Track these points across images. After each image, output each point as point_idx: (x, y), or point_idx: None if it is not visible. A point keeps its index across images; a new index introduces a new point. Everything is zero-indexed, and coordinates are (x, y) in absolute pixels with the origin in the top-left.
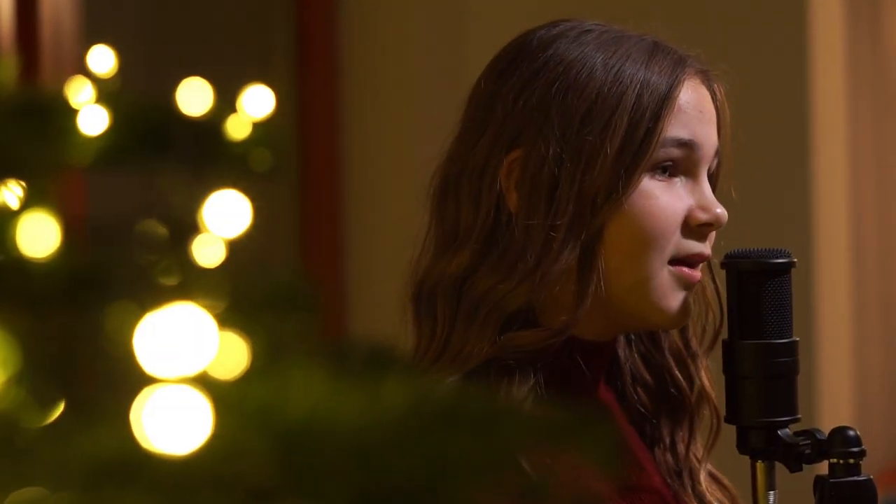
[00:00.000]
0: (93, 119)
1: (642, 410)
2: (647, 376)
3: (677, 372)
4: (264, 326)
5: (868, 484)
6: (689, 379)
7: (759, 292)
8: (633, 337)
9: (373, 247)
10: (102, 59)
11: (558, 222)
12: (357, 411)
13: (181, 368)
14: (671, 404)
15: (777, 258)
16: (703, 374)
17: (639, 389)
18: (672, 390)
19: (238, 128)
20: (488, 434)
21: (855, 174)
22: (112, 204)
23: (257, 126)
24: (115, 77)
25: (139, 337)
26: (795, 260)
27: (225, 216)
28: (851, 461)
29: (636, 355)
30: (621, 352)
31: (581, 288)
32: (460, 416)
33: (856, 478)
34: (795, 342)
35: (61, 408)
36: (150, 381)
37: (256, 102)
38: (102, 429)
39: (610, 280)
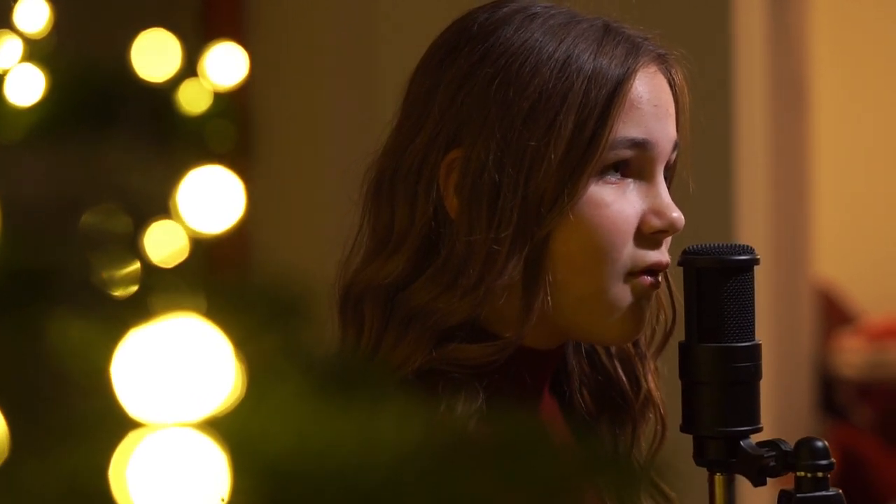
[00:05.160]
0: (24, 85)
1: (587, 417)
2: (592, 378)
3: (622, 374)
4: (247, 339)
5: (837, 499)
6: (636, 381)
7: (719, 292)
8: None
9: (279, 222)
10: (33, 14)
11: (502, 234)
12: (352, 445)
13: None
14: (614, 407)
15: (738, 255)
16: (650, 377)
17: (584, 392)
18: (615, 393)
19: (195, 97)
20: (505, 473)
21: (775, 170)
22: (21, 187)
23: (219, 96)
24: (50, 35)
25: (114, 359)
26: (758, 257)
27: (197, 203)
28: (820, 475)
29: (583, 355)
30: (569, 355)
31: (527, 302)
32: (473, 453)
33: (824, 493)
34: (757, 346)
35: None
36: (115, 409)
37: (220, 68)
38: (53, 465)
39: (558, 294)
